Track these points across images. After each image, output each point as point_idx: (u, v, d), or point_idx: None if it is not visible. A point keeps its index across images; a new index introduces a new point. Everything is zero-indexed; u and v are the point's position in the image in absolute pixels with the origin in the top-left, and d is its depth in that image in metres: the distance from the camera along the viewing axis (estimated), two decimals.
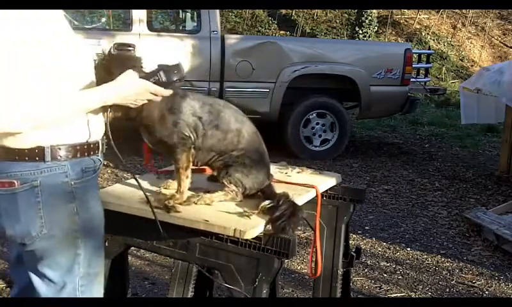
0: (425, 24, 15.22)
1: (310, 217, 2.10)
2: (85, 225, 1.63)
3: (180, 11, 7.15)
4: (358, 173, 6.06)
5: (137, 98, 1.64)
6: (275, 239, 1.65)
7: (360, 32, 13.25)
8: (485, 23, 15.75)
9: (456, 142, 7.81)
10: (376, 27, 13.73)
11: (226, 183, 1.88)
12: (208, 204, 1.84)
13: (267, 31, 13.53)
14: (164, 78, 1.64)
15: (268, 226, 1.69)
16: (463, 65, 14.27)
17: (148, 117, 1.79)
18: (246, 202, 1.86)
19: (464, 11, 15.66)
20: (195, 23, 6.59)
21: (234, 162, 1.88)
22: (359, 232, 4.26)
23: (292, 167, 2.38)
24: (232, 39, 6.49)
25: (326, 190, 2.27)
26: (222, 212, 1.78)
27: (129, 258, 3.16)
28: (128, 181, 2.11)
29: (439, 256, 3.92)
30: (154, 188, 1.98)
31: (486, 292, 3.41)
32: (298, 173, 2.33)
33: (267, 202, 1.76)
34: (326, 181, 2.25)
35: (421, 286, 3.44)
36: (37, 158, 1.53)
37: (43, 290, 1.62)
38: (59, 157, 1.56)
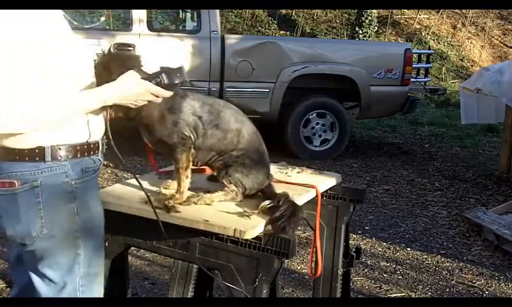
0: (425, 24, 15.22)
1: (310, 217, 2.09)
2: (85, 225, 1.63)
3: (180, 11, 7.15)
4: (358, 173, 6.06)
5: (138, 99, 1.64)
6: (275, 239, 1.65)
7: (360, 32, 13.25)
8: (485, 23, 15.75)
9: (456, 142, 7.81)
10: (376, 27, 13.73)
11: (226, 183, 1.88)
12: (208, 204, 1.84)
13: (267, 31, 13.53)
14: (166, 81, 1.64)
15: (268, 226, 1.69)
16: (463, 65, 14.27)
17: (147, 116, 1.79)
18: (246, 202, 1.86)
19: (464, 11, 15.66)
20: (195, 23, 6.59)
21: (234, 162, 1.88)
22: (359, 232, 4.26)
23: (292, 167, 2.38)
24: (231, 39, 6.49)
25: (326, 190, 2.27)
26: (222, 212, 1.78)
27: (129, 258, 3.16)
28: (128, 181, 2.11)
29: (439, 256, 3.92)
30: (154, 189, 1.98)
31: (486, 292, 3.41)
32: (298, 173, 2.32)
33: (267, 202, 1.76)
34: (326, 181, 2.25)
35: (421, 286, 3.44)
36: (37, 159, 1.53)
37: (44, 290, 1.62)
38: (59, 157, 1.56)
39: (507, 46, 15.49)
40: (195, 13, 6.49)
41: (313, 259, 2.12)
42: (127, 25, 6.24)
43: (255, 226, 1.66)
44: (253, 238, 1.65)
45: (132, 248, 2.22)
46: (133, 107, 1.67)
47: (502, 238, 3.98)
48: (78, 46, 1.64)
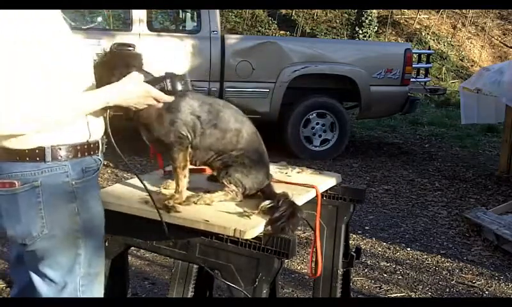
0: (425, 24, 15.22)
1: (310, 217, 2.09)
2: (86, 225, 1.63)
3: (180, 11, 7.15)
4: (358, 173, 6.06)
5: (139, 102, 1.64)
6: (275, 239, 1.65)
7: (360, 32, 13.25)
8: (485, 23, 15.75)
9: (456, 142, 7.81)
10: (376, 27, 13.73)
11: (226, 183, 1.88)
12: (208, 204, 1.84)
13: (267, 31, 13.53)
14: (169, 87, 1.64)
15: (268, 226, 1.69)
16: (463, 65, 14.27)
17: (146, 115, 1.79)
18: (246, 202, 1.86)
19: (464, 11, 15.66)
20: (195, 23, 6.59)
21: (234, 162, 1.88)
22: (359, 232, 4.26)
23: (292, 167, 2.38)
24: (231, 39, 6.49)
25: (326, 190, 2.27)
26: (222, 212, 1.78)
27: (129, 258, 3.16)
28: (128, 181, 2.11)
29: (439, 256, 3.92)
30: (154, 189, 1.98)
31: (486, 292, 3.41)
32: (298, 173, 2.32)
33: (267, 202, 1.76)
34: (326, 181, 2.25)
35: (421, 286, 3.44)
36: (38, 159, 1.54)
37: (45, 290, 1.62)
38: (59, 157, 1.56)
39: (507, 46, 15.49)
40: (195, 13, 6.49)
41: (313, 259, 2.12)
42: (127, 25, 6.24)
43: (255, 226, 1.67)
44: (253, 238, 1.65)
45: (132, 248, 2.22)
46: (134, 109, 1.68)
47: (502, 238, 3.98)
48: (78, 46, 1.64)
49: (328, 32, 14.22)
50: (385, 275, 3.59)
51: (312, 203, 2.06)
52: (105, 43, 5.37)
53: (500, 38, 15.79)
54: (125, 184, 2.06)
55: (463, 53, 14.73)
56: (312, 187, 2.07)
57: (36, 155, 1.53)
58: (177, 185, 1.86)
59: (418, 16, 15.11)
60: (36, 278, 1.62)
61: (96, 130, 1.67)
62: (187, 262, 2.32)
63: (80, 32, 5.51)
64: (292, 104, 6.38)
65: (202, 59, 6.12)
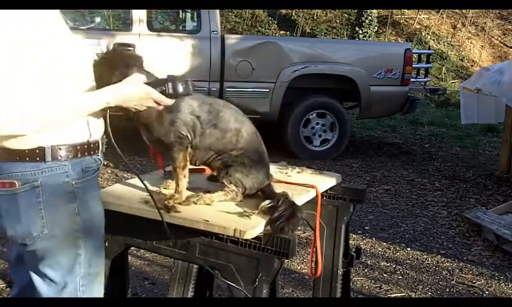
0: (425, 24, 15.22)
1: (310, 217, 2.09)
2: (86, 225, 1.63)
3: (180, 11, 7.15)
4: (358, 173, 6.06)
5: (139, 104, 1.64)
6: (275, 239, 1.65)
7: (360, 32, 13.24)
8: (485, 23, 15.75)
9: (456, 142, 7.81)
10: (376, 27, 13.73)
11: (226, 183, 1.88)
12: (208, 204, 1.84)
13: (267, 31, 13.53)
14: (170, 90, 1.64)
15: (268, 226, 1.69)
16: (463, 65, 14.27)
17: (146, 115, 1.78)
18: (246, 202, 1.86)
19: (464, 11, 15.66)
20: (195, 23, 6.59)
21: (234, 162, 1.88)
22: (359, 232, 4.26)
23: (292, 167, 2.38)
24: (232, 39, 6.49)
25: (326, 190, 2.27)
26: (222, 212, 1.78)
27: (129, 258, 3.16)
28: (128, 181, 2.11)
29: (439, 256, 3.92)
30: (154, 189, 1.98)
31: (486, 292, 3.41)
32: (298, 173, 2.32)
33: (267, 202, 1.76)
34: (326, 181, 2.25)
35: (421, 286, 3.44)
36: (38, 159, 1.53)
37: (45, 290, 1.62)
38: (59, 157, 1.56)
39: (507, 46, 15.49)
40: (195, 13, 6.49)
41: (313, 259, 2.12)
42: (127, 25, 6.24)
43: (255, 226, 1.67)
44: (253, 238, 1.65)
45: (132, 248, 2.22)
46: (134, 110, 1.68)
47: (502, 238, 3.98)
48: (78, 46, 1.64)
49: (328, 32, 14.22)
50: (385, 275, 3.59)
51: (312, 203, 2.06)
52: (105, 43, 5.39)
53: (500, 38, 15.79)
54: (125, 184, 2.06)
55: (463, 53, 14.73)
56: (312, 187, 2.07)
57: (36, 155, 1.53)
58: (177, 185, 1.86)
59: (418, 16, 15.11)
60: (36, 278, 1.62)
61: (96, 130, 1.67)
62: (187, 262, 2.32)
63: (80, 32, 5.51)
64: (292, 104, 6.38)
65: (202, 59, 6.12)
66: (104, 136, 1.74)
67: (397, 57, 6.54)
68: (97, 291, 1.71)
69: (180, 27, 7.36)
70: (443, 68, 13.43)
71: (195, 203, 1.83)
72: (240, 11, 13.71)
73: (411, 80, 6.95)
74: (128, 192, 1.95)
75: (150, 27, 6.21)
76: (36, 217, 1.55)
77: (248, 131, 1.92)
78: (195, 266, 2.40)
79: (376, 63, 6.50)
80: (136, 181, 1.96)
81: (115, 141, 1.64)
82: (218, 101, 1.95)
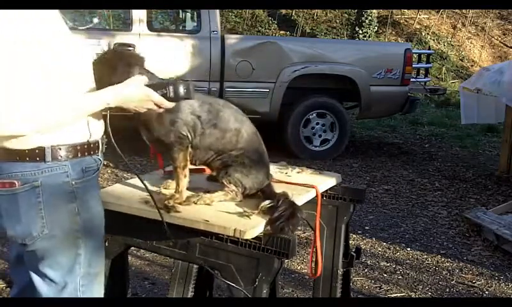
0: (425, 24, 15.22)
1: (310, 217, 2.09)
2: (86, 225, 1.63)
3: (180, 11, 7.15)
4: (358, 173, 6.06)
5: (140, 106, 1.64)
6: (275, 239, 1.65)
7: (360, 32, 13.24)
8: (485, 23, 15.75)
9: (456, 142, 7.81)
10: (376, 27, 13.72)
11: (225, 183, 1.88)
12: (208, 204, 1.84)
13: (267, 31, 13.53)
14: (171, 94, 1.64)
15: (268, 226, 1.69)
16: (463, 65, 14.27)
17: (146, 114, 1.79)
18: (246, 202, 1.86)
19: (464, 11, 15.66)
20: (195, 23, 6.59)
21: (233, 162, 1.88)
22: (359, 232, 4.26)
23: (292, 167, 2.38)
24: (231, 39, 6.49)
25: (326, 190, 2.27)
26: (222, 212, 1.78)
27: (129, 258, 3.16)
28: (128, 181, 2.11)
29: (439, 256, 3.92)
30: (154, 189, 1.98)
31: (486, 292, 3.41)
32: (298, 173, 2.32)
33: (267, 202, 1.76)
34: (326, 181, 2.25)
35: (421, 286, 3.44)
36: (38, 159, 1.53)
37: (45, 290, 1.62)
38: (59, 157, 1.56)
39: (507, 46, 15.49)
40: (195, 13, 6.49)
41: (313, 259, 2.12)
42: (127, 25, 6.24)
43: (255, 226, 1.67)
44: (253, 238, 1.65)
45: (132, 248, 2.22)
46: (134, 112, 1.68)
47: (502, 238, 3.98)
48: (78, 46, 1.64)
49: (328, 32, 14.21)
50: (385, 275, 3.59)
51: (312, 203, 2.06)
52: (105, 43, 5.39)
53: (500, 38, 15.79)
54: (125, 184, 2.06)
55: (463, 53, 14.73)
56: (312, 187, 2.07)
57: (36, 155, 1.53)
58: (177, 185, 1.86)
59: (418, 16, 15.11)
60: (36, 278, 1.62)
61: (96, 129, 1.67)
62: (187, 262, 2.32)
63: (80, 32, 5.51)
64: (292, 104, 6.38)
65: (202, 59, 6.12)
66: (104, 136, 1.74)
67: (397, 57, 6.54)
68: (97, 291, 1.71)
69: (180, 27, 7.36)
70: (443, 68, 13.43)
71: (195, 203, 1.83)
72: (240, 11, 13.70)
73: (411, 80, 6.95)
74: (128, 192, 1.95)
75: (150, 27, 6.21)
76: (36, 217, 1.55)
77: (248, 131, 1.92)
78: (195, 266, 2.40)
79: (376, 63, 6.50)
80: (135, 181, 1.96)
81: (115, 141, 1.64)
82: (218, 100, 1.95)
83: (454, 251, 4.03)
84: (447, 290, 3.43)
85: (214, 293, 2.72)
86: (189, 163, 1.87)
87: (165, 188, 1.98)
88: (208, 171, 2.06)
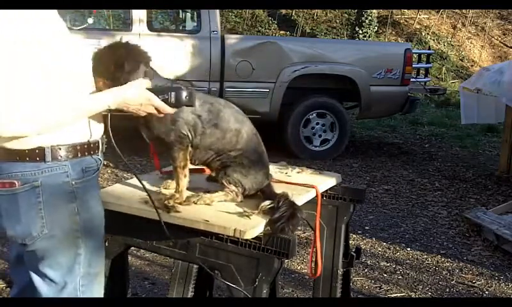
0: (425, 24, 15.22)
1: (310, 217, 2.09)
2: (86, 225, 1.63)
3: (180, 11, 7.15)
4: (358, 173, 6.06)
5: (140, 108, 1.64)
6: (275, 239, 1.65)
7: (360, 32, 13.24)
8: (485, 23, 15.75)
9: (456, 142, 7.81)
10: (376, 27, 13.72)
11: (225, 183, 1.88)
12: (208, 205, 1.84)
13: (267, 31, 13.53)
14: (173, 100, 1.64)
15: (268, 226, 1.69)
16: (463, 65, 14.27)
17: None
18: (246, 202, 1.86)
19: (464, 11, 15.66)
20: (195, 23, 6.59)
21: (232, 163, 1.88)
22: (359, 232, 4.26)
23: (292, 167, 2.38)
24: (231, 39, 6.49)
25: (326, 190, 2.27)
26: (222, 212, 1.78)
27: (129, 258, 3.16)
28: (128, 181, 2.11)
29: (439, 256, 3.92)
30: (154, 189, 1.98)
31: (486, 292, 3.41)
32: (298, 173, 2.32)
33: (267, 202, 1.76)
34: (326, 181, 2.25)
35: (421, 286, 3.44)
36: (38, 159, 1.54)
37: (45, 290, 1.62)
38: (59, 157, 1.56)
39: (507, 46, 15.49)
40: (195, 13, 6.49)
41: (313, 259, 2.12)
42: (127, 25, 6.24)
43: (255, 226, 1.67)
44: (253, 238, 1.65)
45: (132, 248, 2.22)
46: (134, 115, 1.68)
47: (502, 238, 3.98)
48: (78, 46, 1.64)
49: (328, 32, 14.21)
50: (385, 275, 3.59)
51: (312, 203, 2.05)
52: (105, 44, 5.38)
53: (500, 38, 15.79)
54: (125, 184, 2.06)
55: (463, 53, 14.73)
56: (312, 187, 2.07)
57: (36, 155, 1.53)
58: (177, 184, 1.85)
59: (418, 16, 15.11)
60: (36, 278, 1.62)
61: (96, 129, 1.67)
62: (187, 262, 2.32)
63: (79, 33, 5.51)
64: (292, 104, 6.38)
65: (202, 59, 6.12)
66: (104, 136, 1.74)
67: (397, 57, 6.54)
68: (97, 291, 1.71)
69: (180, 27, 7.35)
70: (443, 68, 13.43)
71: (195, 203, 1.83)
72: (240, 11, 13.70)
73: (411, 80, 6.95)
74: (128, 192, 1.95)
75: (150, 27, 6.22)
76: (36, 217, 1.55)
77: (248, 132, 1.92)
78: (195, 266, 2.40)
79: (376, 63, 6.50)
80: (135, 181, 1.95)
81: (115, 141, 1.64)
82: (219, 100, 1.95)
83: (454, 251, 4.03)
84: (447, 290, 3.43)
85: (214, 293, 2.72)
86: (189, 162, 1.87)
87: (165, 189, 1.98)
88: (208, 171, 2.06)
